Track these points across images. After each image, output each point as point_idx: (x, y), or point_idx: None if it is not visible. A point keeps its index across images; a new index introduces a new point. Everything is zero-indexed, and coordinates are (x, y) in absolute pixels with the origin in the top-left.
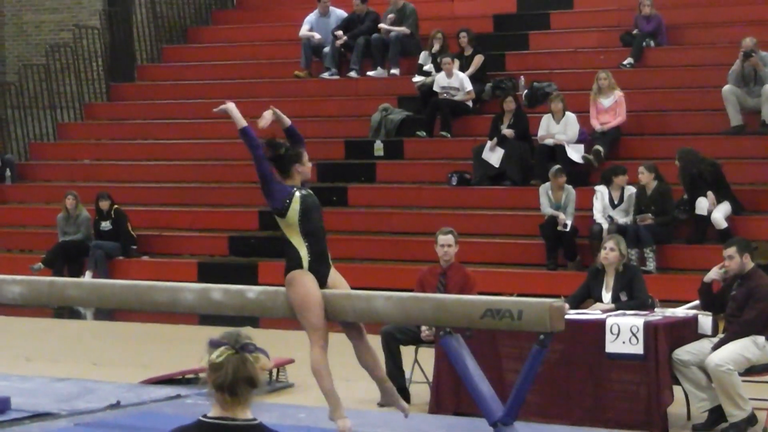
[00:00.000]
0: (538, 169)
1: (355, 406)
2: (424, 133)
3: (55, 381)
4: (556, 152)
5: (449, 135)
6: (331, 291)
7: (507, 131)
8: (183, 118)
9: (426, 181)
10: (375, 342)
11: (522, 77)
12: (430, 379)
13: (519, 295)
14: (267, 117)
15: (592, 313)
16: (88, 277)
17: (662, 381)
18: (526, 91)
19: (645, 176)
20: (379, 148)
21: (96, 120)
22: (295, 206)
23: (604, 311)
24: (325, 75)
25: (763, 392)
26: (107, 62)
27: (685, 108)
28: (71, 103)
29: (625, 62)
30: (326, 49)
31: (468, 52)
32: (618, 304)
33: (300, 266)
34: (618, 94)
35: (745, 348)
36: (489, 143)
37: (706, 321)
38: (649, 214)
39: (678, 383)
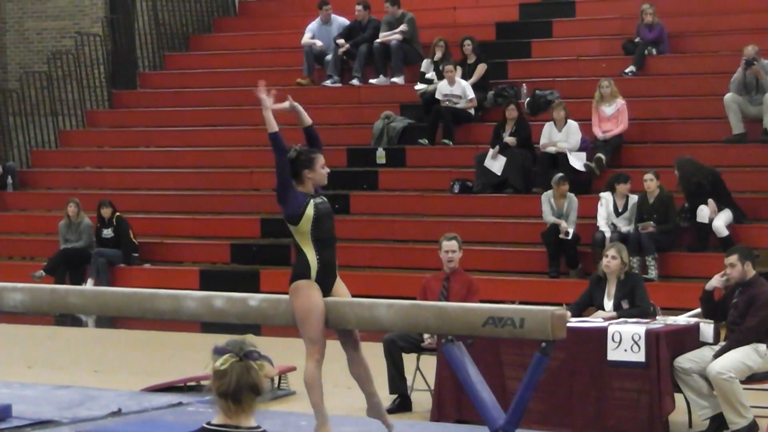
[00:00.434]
0: (540, 177)
1: (357, 414)
2: (427, 141)
3: (57, 388)
4: (558, 160)
5: (451, 143)
6: (334, 299)
7: (509, 139)
8: (185, 125)
9: (428, 188)
10: (377, 349)
11: (524, 85)
12: (432, 386)
13: (521, 302)
14: (284, 105)
15: (593, 321)
16: (89, 285)
17: (664, 389)
18: (528, 98)
19: (653, 183)
20: (381, 155)
21: (98, 127)
22: (309, 213)
23: (606, 319)
24: (328, 83)
25: (765, 400)
26: (109, 69)
27: (686, 116)
28: (73, 110)
29: (627, 70)
30: (328, 57)
31: (472, 60)
32: (620, 312)
33: (307, 275)
34: (620, 102)
35: (746, 356)
36: (491, 151)
37: (707, 329)
38: (651, 222)
39: (679, 391)
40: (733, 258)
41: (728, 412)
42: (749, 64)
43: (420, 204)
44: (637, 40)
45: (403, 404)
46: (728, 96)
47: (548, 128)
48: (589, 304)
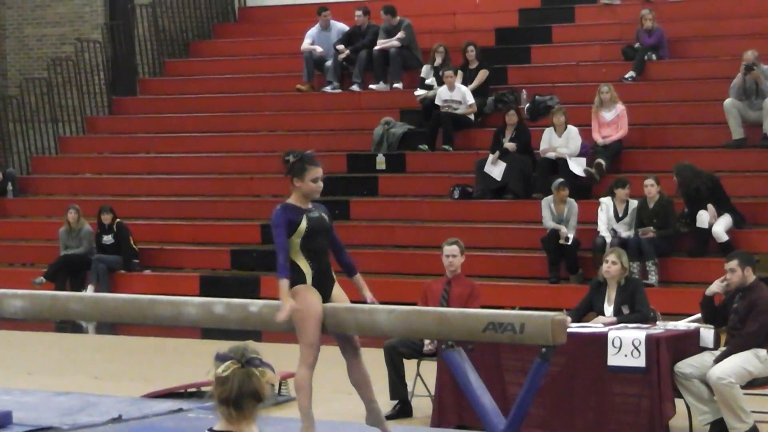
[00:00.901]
0: (540, 183)
1: (358, 419)
2: (426, 147)
3: (57, 395)
4: (558, 165)
5: (451, 148)
6: (333, 304)
7: (509, 144)
8: (185, 131)
9: (428, 194)
10: (378, 355)
11: (524, 90)
12: (433, 392)
13: (521, 308)
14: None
15: (594, 326)
16: (90, 291)
17: (664, 394)
18: (528, 104)
19: (654, 188)
20: (381, 161)
21: (98, 134)
22: (302, 228)
23: (606, 324)
24: (327, 89)
25: (765, 405)
26: (109, 76)
27: (686, 121)
28: (73, 116)
29: (626, 75)
30: (328, 63)
31: (474, 65)
32: (620, 318)
33: (304, 282)
34: (620, 107)
35: (746, 361)
36: (491, 156)
37: (707, 334)
38: (651, 227)
39: (680, 396)
40: (733, 263)
41: (729, 417)
42: (749, 69)
43: (420, 209)
44: (636, 45)
45: (403, 410)
46: (728, 101)
47: (548, 133)
48: (589, 309)
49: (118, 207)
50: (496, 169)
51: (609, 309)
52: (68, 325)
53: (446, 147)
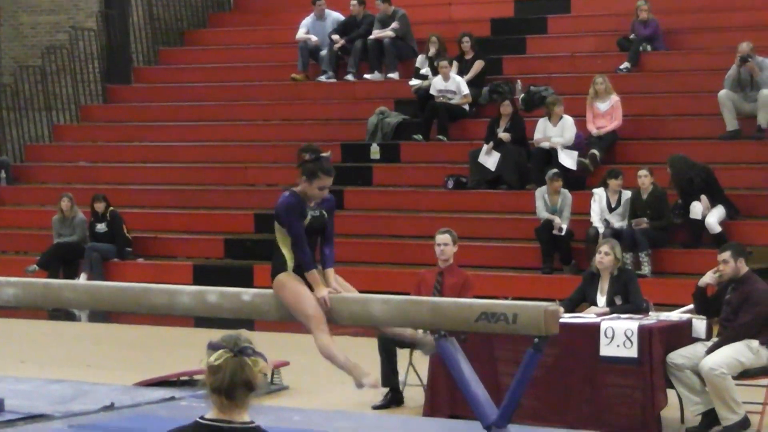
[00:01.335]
0: (535, 173)
1: (350, 408)
2: (421, 137)
3: (50, 383)
4: (552, 156)
5: (446, 139)
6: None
7: (503, 135)
8: (179, 120)
9: (422, 184)
10: (371, 344)
11: (519, 81)
12: (425, 381)
13: (514, 298)
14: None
15: (586, 316)
16: (83, 280)
17: (656, 384)
18: (522, 95)
19: (648, 179)
20: (375, 151)
21: (92, 122)
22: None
23: (599, 315)
24: (322, 78)
25: (757, 396)
26: (103, 64)
27: (681, 112)
28: (67, 104)
29: (621, 67)
30: (323, 52)
31: (469, 56)
32: (613, 308)
33: (285, 269)
34: (614, 98)
35: (739, 352)
36: (485, 147)
37: (700, 325)
38: (645, 218)
39: (672, 387)
40: (726, 255)
41: (720, 407)
42: (744, 60)
43: (414, 200)
44: (631, 36)
45: (395, 399)
46: (722, 93)
47: (542, 123)
48: (582, 299)
49: (111, 195)
50: (490, 160)
51: (602, 300)
52: (61, 313)
53: (441, 137)
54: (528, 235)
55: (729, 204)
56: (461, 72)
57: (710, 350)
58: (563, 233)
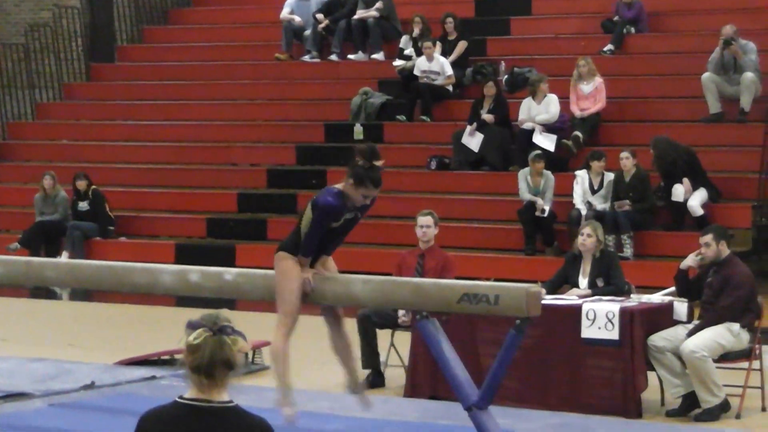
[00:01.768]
0: (518, 155)
1: (331, 389)
2: (404, 118)
3: (31, 361)
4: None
5: (429, 119)
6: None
7: (487, 116)
8: (162, 99)
9: (405, 165)
10: (351, 325)
11: (503, 62)
12: (406, 362)
13: (496, 280)
14: None
15: (568, 298)
16: (64, 258)
17: (637, 367)
18: (506, 76)
19: (629, 161)
20: (358, 131)
21: (75, 100)
22: (333, 225)
23: (581, 297)
24: (306, 58)
25: (737, 379)
26: (87, 42)
27: (664, 95)
28: (50, 83)
29: (605, 49)
30: (307, 32)
31: (452, 36)
32: (594, 290)
33: (294, 252)
34: (598, 80)
35: (719, 335)
36: (469, 128)
37: (681, 307)
38: (627, 201)
39: (653, 369)
40: (708, 237)
41: (701, 390)
42: (727, 43)
43: (397, 180)
44: (615, 18)
45: (376, 380)
46: (706, 75)
47: (526, 103)
48: (564, 281)
49: (94, 174)
50: (473, 141)
51: (584, 281)
52: (43, 291)
53: (424, 118)
54: (510, 216)
55: (711, 187)
56: (444, 53)
57: (691, 333)
58: (546, 215)
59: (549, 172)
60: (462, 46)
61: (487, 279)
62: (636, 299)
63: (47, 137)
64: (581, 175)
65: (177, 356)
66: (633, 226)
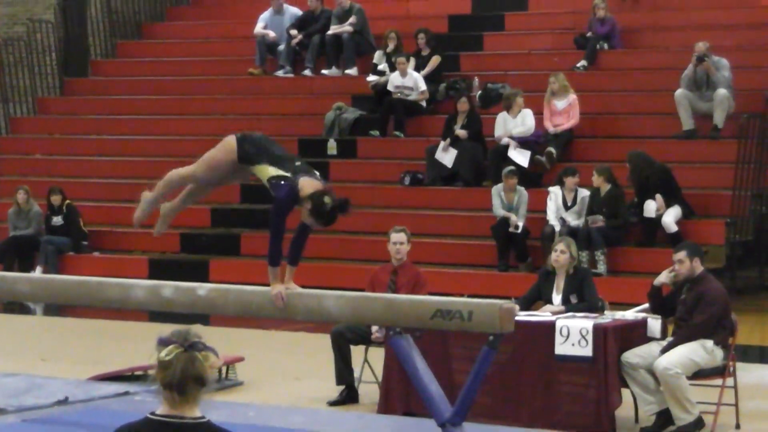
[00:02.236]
0: (491, 170)
1: (305, 404)
2: (378, 133)
3: (3, 376)
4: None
5: (402, 135)
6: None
7: (460, 132)
8: (136, 113)
9: (379, 180)
10: (325, 341)
11: (476, 78)
12: (380, 379)
13: (470, 295)
14: None
15: (541, 315)
16: (38, 273)
17: (611, 384)
18: (479, 92)
19: (597, 180)
20: (332, 146)
21: (49, 114)
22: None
23: (554, 313)
24: (280, 73)
25: (711, 396)
26: (61, 57)
27: (637, 111)
28: (24, 97)
29: (578, 64)
30: (281, 47)
31: (425, 52)
32: (568, 307)
33: (257, 162)
34: (572, 97)
35: (693, 352)
36: (442, 143)
37: (655, 324)
38: (600, 216)
39: (626, 386)
40: (682, 254)
41: (674, 407)
42: (700, 60)
43: (370, 195)
44: (588, 34)
45: (350, 396)
46: (679, 92)
47: (502, 117)
48: (537, 298)
49: (68, 188)
50: (447, 156)
51: (557, 298)
52: (16, 306)
53: (397, 133)
54: (484, 232)
55: (685, 203)
56: (418, 68)
57: (665, 350)
58: (519, 231)
59: (522, 188)
60: (435, 61)
61: (461, 295)
62: (609, 316)
63: (21, 151)
64: (554, 191)
65: (150, 372)
66: (606, 243)
